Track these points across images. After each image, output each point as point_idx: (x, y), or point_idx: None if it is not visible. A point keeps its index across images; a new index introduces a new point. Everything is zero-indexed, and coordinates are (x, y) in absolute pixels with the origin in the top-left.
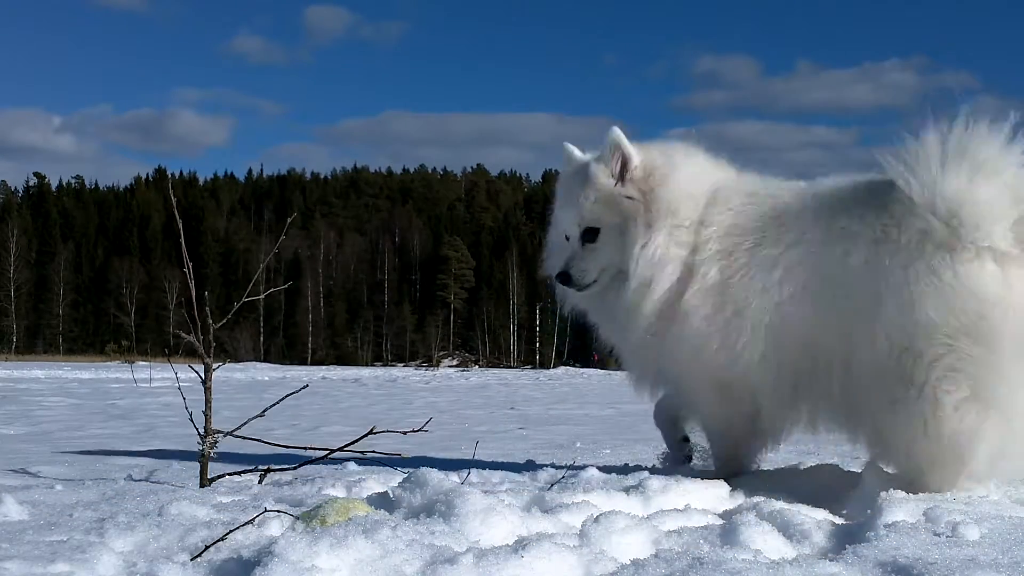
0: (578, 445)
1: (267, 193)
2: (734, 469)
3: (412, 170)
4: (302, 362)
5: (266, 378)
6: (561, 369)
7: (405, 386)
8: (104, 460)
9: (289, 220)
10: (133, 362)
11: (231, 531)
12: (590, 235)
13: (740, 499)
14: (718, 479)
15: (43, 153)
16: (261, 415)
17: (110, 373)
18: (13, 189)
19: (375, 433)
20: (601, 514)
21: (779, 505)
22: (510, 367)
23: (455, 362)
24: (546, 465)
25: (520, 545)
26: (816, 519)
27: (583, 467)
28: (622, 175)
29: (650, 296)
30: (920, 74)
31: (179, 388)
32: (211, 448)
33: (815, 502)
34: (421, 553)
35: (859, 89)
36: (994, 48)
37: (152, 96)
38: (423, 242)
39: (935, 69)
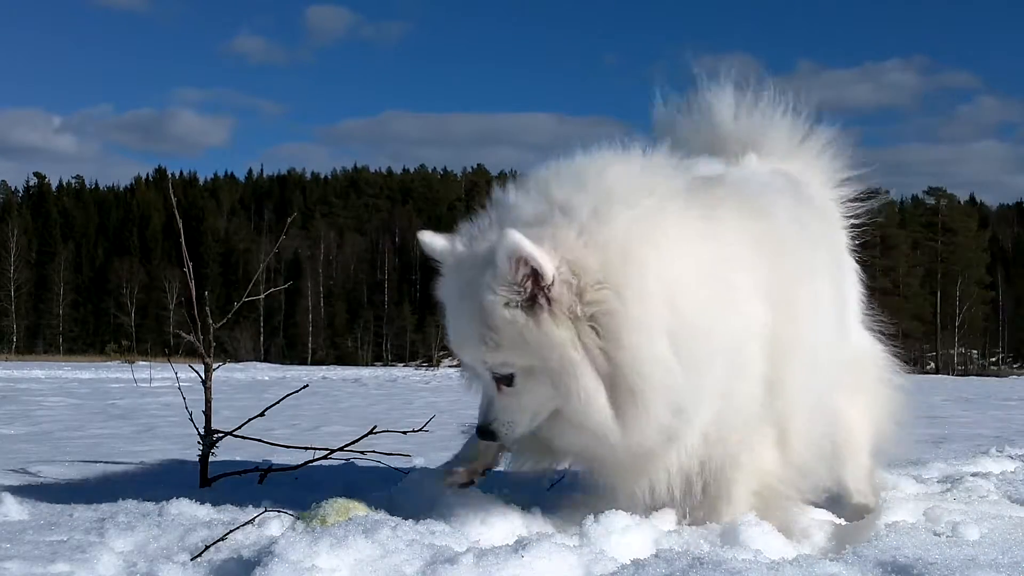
0: None
1: (267, 193)
2: None
3: (412, 170)
4: (302, 362)
5: (266, 378)
6: None
7: (405, 386)
8: (104, 460)
9: (289, 220)
10: (133, 362)
11: (231, 531)
12: (505, 380)
13: None
14: None
15: (43, 153)
16: (261, 415)
17: (110, 373)
18: (13, 189)
19: (375, 433)
20: (601, 514)
21: None
22: None
23: (455, 362)
24: None
25: (520, 545)
26: (816, 519)
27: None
28: (532, 298)
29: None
30: (920, 74)
31: (179, 388)
32: (211, 448)
33: (815, 502)
34: (421, 553)
35: (860, 89)
36: (994, 48)
37: (152, 96)
38: None
39: (935, 69)
